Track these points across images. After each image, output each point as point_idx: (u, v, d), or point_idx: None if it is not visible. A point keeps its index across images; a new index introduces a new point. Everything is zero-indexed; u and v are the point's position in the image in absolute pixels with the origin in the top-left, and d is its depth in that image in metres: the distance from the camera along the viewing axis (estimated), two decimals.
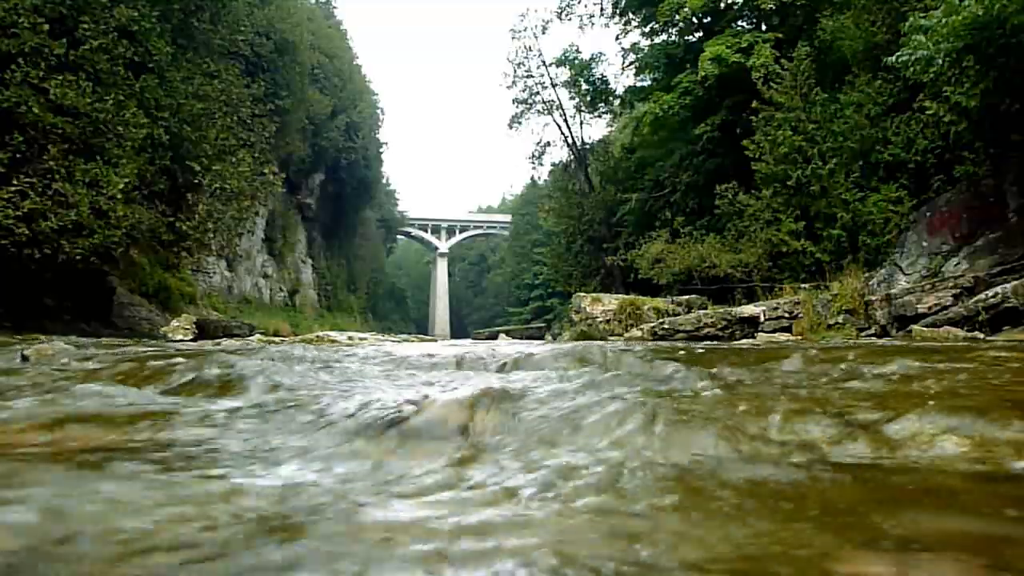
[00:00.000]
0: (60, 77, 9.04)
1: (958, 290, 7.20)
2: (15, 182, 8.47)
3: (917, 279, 8.85)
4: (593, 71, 23.11)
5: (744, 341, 7.67)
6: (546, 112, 24.53)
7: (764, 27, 16.25)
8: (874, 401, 1.76)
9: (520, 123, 25.26)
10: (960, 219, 9.22)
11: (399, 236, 64.09)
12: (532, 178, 44.13)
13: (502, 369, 3.51)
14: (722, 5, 16.62)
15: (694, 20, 17.48)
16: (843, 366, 2.95)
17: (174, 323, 11.62)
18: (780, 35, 15.18)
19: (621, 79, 30.32)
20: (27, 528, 0.83)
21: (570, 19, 23.21)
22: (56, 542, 0.81)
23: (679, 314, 9.88)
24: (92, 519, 0.89)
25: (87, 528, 0.85)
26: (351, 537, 0.87)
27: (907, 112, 10.77)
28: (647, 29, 19.52)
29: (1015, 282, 6.37)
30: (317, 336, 12.53)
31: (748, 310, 8.97)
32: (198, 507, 0.96)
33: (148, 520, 0.89)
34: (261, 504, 1.01)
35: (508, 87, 24.84)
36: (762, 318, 8.78)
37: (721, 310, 9.32)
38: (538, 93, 24.50)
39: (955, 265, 8.75)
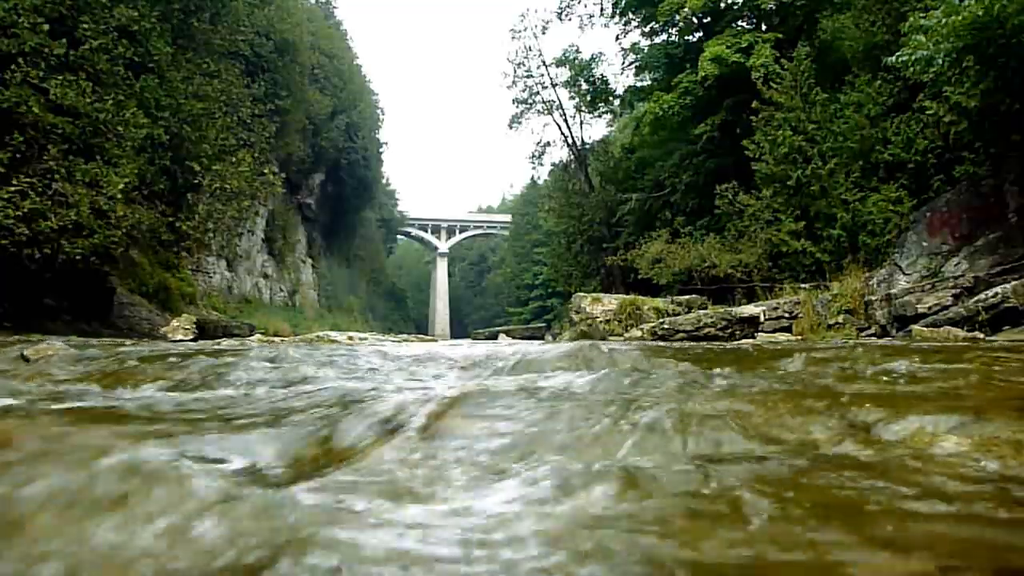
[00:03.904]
0: (60, 77, 9.02)
1: (958, 290, 7.21)
2: (15, 182, 8.44)
3: (917, 279, 8.85)
4: (593, 71, 23.11)
5: (744, 341, 7.67)
6: (546, 112, 24.56)
7: (764, 27, 16.25)
8: (874, 401, 1.76)
9: (520, 123, 25.30)
10: (960, 219, 9.21)
11: (399, 236, 64.07)
12: (532, 178, 44.23)
13: None
14: (722, 5, 16.62)
15: (694, 20, 17.48)
16: (843, 366, 2.95)
17: (174, 323, 11.61)
18: (780, 35, 15.18)
19: (621, 79, 30.43)
20: None
21: (570, 19, 23.26)
22: None
23: (679, 314, 9.87)
24: None
25: None
26: None
27: (907, 112, 10.77)
28: (647, 29, 19.54)
29: (1015, 282, 6.37)
30: (317, 336, 12.54)
31: (748, 310, 8.97)
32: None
33: None
34: None
35: (508, 87, 24.90)
36: (762, 318, 8.78)
37: (721, 310, 9.32)
38: (538, 93, 24.54)
39: (955, 265, 8.75)
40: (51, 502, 0.94)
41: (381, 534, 0.89)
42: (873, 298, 8.23)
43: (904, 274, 9.36)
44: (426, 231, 62.83)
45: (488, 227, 65.73)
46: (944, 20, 7.33)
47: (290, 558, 0.80)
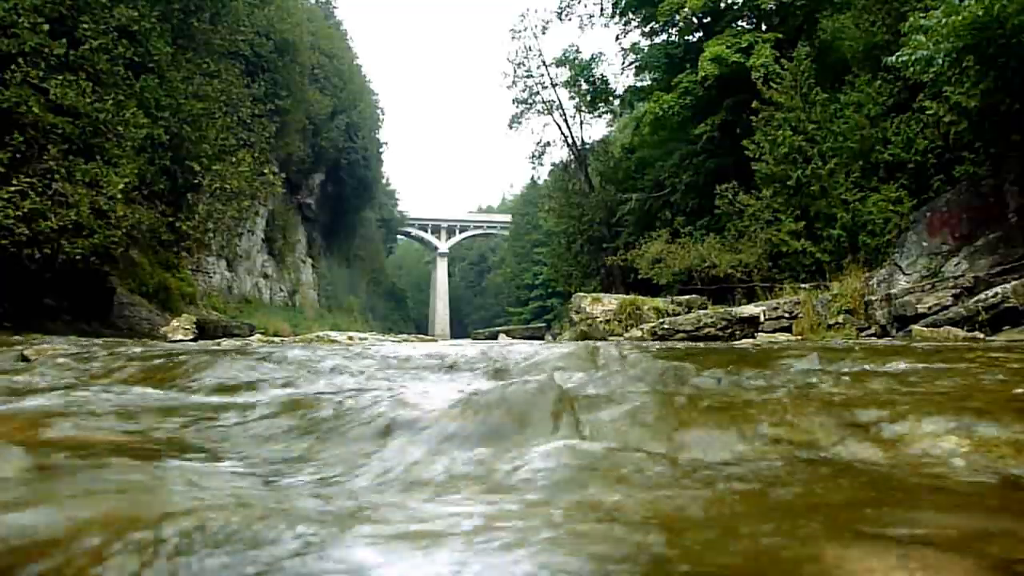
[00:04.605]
0: (60, 77, 9.02)
1: (958, 290, 7.21)
2: (15, 182, 8.44)
3: (917, 279, 8.85)
4: (593, 71, 23.10)
5: (744, 341, 7.67)
6: (546, 112, 24.55)
7: (764, 27, 16.25)
8: (874, 401, 1.76)
9: (520, 123, 25.30)
10: (960, 219, 9.22)
11: (399, 236, 64.07)
12: (532, 178, 44.24)
13: None
14: (722, 5, 16.61)
15: (694, 20, 17.48)
16: (843, 366, 2.95)
17: (174, 323, 11.60)
18: (780, 35, 15.18)
19: (621, 79, 30.41)
20: None
21: (570, 19, 23.26)
22: None
23: (679, 314, 9.87)
24: None
25: None
26: None
27: (907, 112, 10.77)
28: (647, 29, 19.54)
29: (1015, 282, 6.37)
30: (317, 336, 12.53)
31: (748, 310, 8.97)
32: None
33: None
34: None
35: (508, 87, 24.89)
36: (762, 318, 8.78)
37: (721, 310, 9.31)
38: (538, 93, 24.53)
39: (955, 265, 8.75)
40: None
41: None
42: (873, 298, 8.23)
43: (904, 274, 9.36)
44: (426, 231, 62.82)
45: (488, 227, 65.72)
46: (944, 20, 7.33)
47: None
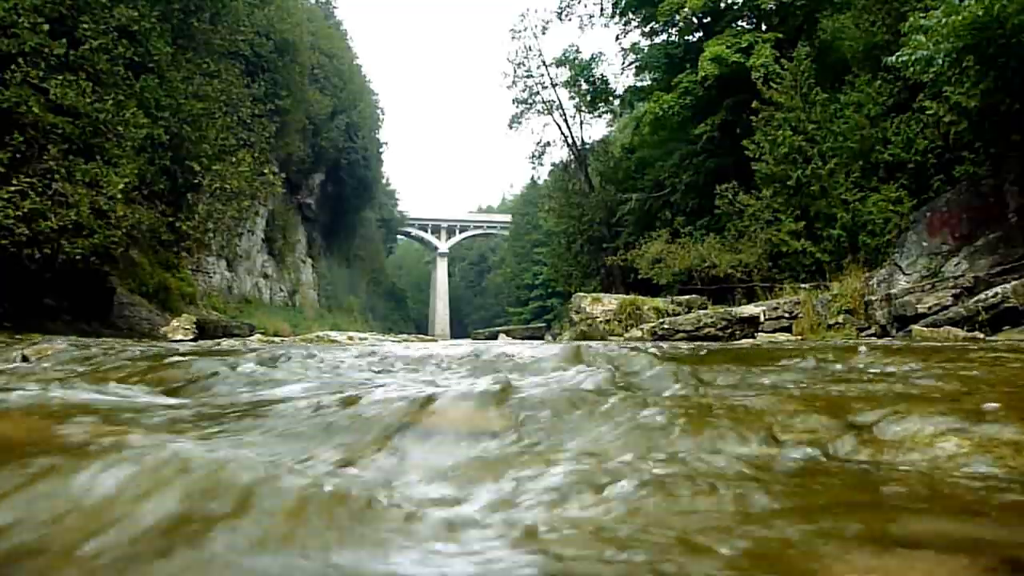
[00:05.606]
0: (60, 77, 9.01)
1: (958, 290, 7.21)
2: (15, 182, 8.43)
3: (917, 279, 8.85)
4: (593, 71, 23.12)
5: (744, 341, 7.67)
6: (546, 112, 24.56)
7: (764, 27, 16.26)
8: (874, 401, 1.76)
9: (520, 123, 25.31)
10: (960, 219, 9.22)
11: (399, 236, 64.08)
12: (532, 178, 44.28)
13: None
14: (722, 5, 16.62)
15: (694, 20, 17.49)
16: (843, 366, 2.95)
17: (174, 323, 11.62)
18: (780, 35, 15.19)
19: (621, 79, 30.39)
20: None
21: (570, 19, 23.28)
22: None
23: (679, 314, 9.87)
24: None
25: None
26: None
27: (907, 112, 10.77)
28: (647, 29, 19.55)
29: (1015, 282, 6.37)
30: (317, 336, 12.55)
31: (748, 310, 8.97)
32: None
33: None
34: None
35: (508, 87, 24.92)
36: (762, 318, 8.78)
37: (721, 310, 9.32)
38: (538, 93, 24.55)
39: (955, 265, 8.75)
40: None
41: None
42: (873, 298, 8.23)
43: (904, 274, 9.37)
44: (426, 231, 62.82)
45: (488, 227, 65.71)
46: (944, 20, 7.33)
47: None
